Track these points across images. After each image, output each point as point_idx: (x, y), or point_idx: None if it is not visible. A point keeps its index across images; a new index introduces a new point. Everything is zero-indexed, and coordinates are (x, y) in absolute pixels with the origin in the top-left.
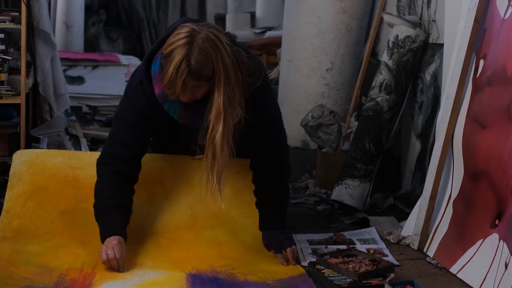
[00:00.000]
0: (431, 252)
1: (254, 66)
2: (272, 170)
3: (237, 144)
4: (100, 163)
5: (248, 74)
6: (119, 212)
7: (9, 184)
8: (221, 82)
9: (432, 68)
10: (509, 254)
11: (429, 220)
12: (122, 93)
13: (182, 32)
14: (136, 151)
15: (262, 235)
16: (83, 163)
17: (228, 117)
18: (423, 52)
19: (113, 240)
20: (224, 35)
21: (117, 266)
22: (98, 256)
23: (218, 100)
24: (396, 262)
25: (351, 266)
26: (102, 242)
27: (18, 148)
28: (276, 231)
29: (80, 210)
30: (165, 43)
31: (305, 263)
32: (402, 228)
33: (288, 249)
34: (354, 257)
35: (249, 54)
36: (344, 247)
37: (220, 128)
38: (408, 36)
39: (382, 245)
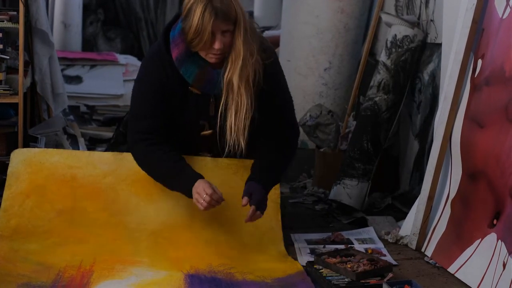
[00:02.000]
0: (429, 252)
1: (266, 42)
2: (279, 141)
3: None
4: (132, 141)
5: (261, 46)
6: (184, 163)
7: (6, 183)
8: (241, 26)
9: (430, 68)
10: (507, 254)
11: (427, 220)
12: (120, 92)
13: None
14: (162, 120)
15: (245, 186)
16: (81, 163)
17: (246, 61)
18: (421, 52)
19: (199, 184)
20: None
21: (220, 199)
22: (96, 253)
23: (238, 41)
24: (394, 262)
25: (349, 265)
26: (189, 194)
27: (16, 148)
28: (259, 188)
29: (78, 209)
30: (181, 10)
31: (303, 263)
32: (400, 227)
33: (253, 208)
34: (352, 257)
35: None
36: (342, 246)
37: (238, 68)
38: (406, 36)
39: (380, 245)
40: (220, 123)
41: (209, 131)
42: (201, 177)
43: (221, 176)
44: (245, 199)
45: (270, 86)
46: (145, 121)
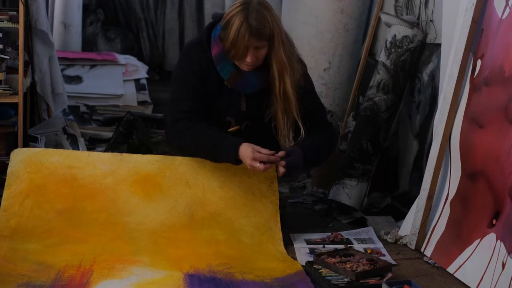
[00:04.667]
0: (428, 252)
1: (299, 56)
2: (322, 132)
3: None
4: (173, 121)
5: (297, 59)
6: (224, 131)
7: (6, 182)
8: (279, 41)
9: (429, 68)
10: (506, 254)
11: (426, 219)
12: (120, 92)
13: (236, 3)
14: (202, 102)
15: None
16: (81, 163)
17: (291, 72)
18: (420, 52)
19: (245, 150)
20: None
21: (270, 159)
22: (96, 253)
23: (280, 56)
24: (393, 262)
25: (348, 265)
26: (237, 161)
27: (16, 148)
28: (300, 152)
29: (78, 209)
30: (222, 17)
31: (302, 263)
32: (399, 227)
33: (282, 164)
34: (352, 257)
35: None
36: (341, 246)
37: (288, 80)
38: (405, 36)
39: (379, 245)
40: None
41: (236, 127)
42: (244, 141)
43: (220, 177)
44: (282, 152)
45: (309, 86)
46: (186, 101)
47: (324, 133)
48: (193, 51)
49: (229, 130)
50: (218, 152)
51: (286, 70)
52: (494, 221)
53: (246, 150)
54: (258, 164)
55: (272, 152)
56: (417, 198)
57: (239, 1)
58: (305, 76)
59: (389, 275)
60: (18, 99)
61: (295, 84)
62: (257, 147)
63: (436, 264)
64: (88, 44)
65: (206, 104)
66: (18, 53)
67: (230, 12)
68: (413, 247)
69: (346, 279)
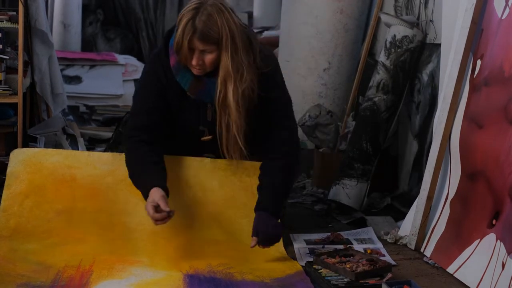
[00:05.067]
0: (428, 252)
1: (267, 52)
2: (280, 157)
3: (249, 123)
4: (126, 136)
5: (261, 58)
6: (157, 168)
7: (6, 183)
8: (228, 47)
9: (429, 68)
10: (506, 254)
11: (426, 220)
12: (119, 92)
13: (191, 3)
14: (158, 118)
15: (254, 218)
16: (81, 163)
17: (237, 81)
18: (420, 52)
19: (155, 194)
20: (234, 14)
21: (166, 216)
22: (96, 253)
23: (226, 63)
24: (393, 262)
25: (348, 266)
26: (146, 197)
27: (15, 148)
28: (268, 217)
29: (77, 209)
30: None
31: (302, 263)
32: (399, 228)
33: (260, 246)
34: (351, 257)
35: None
36: (341, 247)
37: (230, 89)
38: (405, 36)
39: (379, 245)
40: (218, 131)
41: (209, 137)
42: (164, 189)
43: (220, 177)
44: (253, 239)
45: (267, 93)
46: (141, 116)
47: (286, 163)
48: (152, 63)
49: (202, 139)
50: (137, 186)
51: (230, 79)
52: (494, 221)
53: (151, 197)
54: (150, 208)
55: (170, 211)
56: (417, 198)
57: (195, 0)
58: (270, 74)
59: (389, 275)
60: (18, 99)
61: (241, 95)
62: (163, 203)
63: (436, 264)
64: (87, 44)
65: (167, 119)
66: (17, 53)
67: (183, 11)
68: (413, 247)
69: (346, 279)
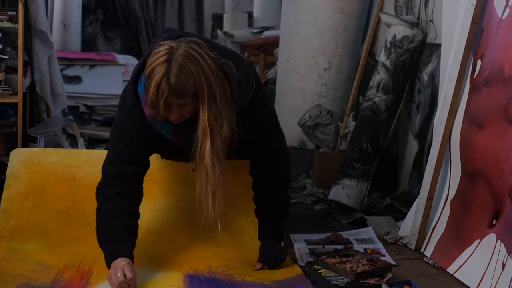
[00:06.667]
0: (428, 252)
1: (245, 77)
2: (271, 179)
3: (234, 156)
4: (101, 186)
5: (239, 87)
6: (127, 234)
7: (6, 183)
8: (205, 98)
9: (429, 68)
10: (507, 254)
11: (426, 220)
12: (119, 92)
13: (161, 50)
14: (140, 168)
15: (260, 246)
16: (80, 161)
17: (215, 134)
18: (420, 52)
19: (121, 262)
20: (207, 49)
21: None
22: (96, 254)
23: (203, 117)
24: (393, 262)
25: (348, 266)
26: (109, 265)
27: (15, 148)
28: (273, 244)
29: (77, 209)
30: (146, 63)
31: (302, 263)
32: (399, 228)
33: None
34: (352, 257)
35: (239, 65)
36: (341, 247)
37: (208, 146)
38: (405, 36)
39: (379, 245)
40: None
41: None
42: (131, 258)
43: None
44: (259, 265)
45: (252, 131)
46: (120, 166)
47: (276, 190)
48: (130, 111)
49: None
50: (101, 246)
51: (207, 133)
52: (494, 222)
53: (118, 264)
54: (114, 280)
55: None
56: (417, 199)
57: (165, 47)
58: (251, 104)
59: (389, 275)
60: (18, 99)
61: (220, 145)
62: (131, 271)
63: (436, 265)
64: (87, 44)
65: (146, 164)
66: (17, 53)
67: (154, 61)
68: (413, 247)
69: (346, 280)
